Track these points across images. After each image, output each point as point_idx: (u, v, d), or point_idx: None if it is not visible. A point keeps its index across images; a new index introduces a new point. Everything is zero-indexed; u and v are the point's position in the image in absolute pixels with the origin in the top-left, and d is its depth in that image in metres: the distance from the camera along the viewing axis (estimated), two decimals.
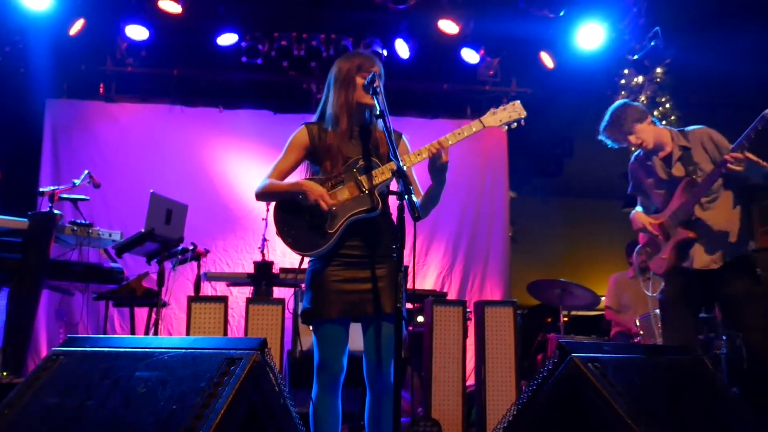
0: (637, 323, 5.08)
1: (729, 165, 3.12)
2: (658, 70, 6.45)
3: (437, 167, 2.50)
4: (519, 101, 2.69)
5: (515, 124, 2.66)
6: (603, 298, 5.92)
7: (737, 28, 5.72)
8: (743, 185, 3.40)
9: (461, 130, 2.55)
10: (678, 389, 2.24)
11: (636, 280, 5.78)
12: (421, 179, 2.73)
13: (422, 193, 2.69)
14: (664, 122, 6.49)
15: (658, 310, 4.91)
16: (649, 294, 4.35)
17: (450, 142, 2.51)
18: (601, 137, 3.69)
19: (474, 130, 2.58)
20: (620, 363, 2.13)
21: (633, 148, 3.63)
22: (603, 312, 6.04)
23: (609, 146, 3.71)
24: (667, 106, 6.48)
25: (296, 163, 2.75)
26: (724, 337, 4.61)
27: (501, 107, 2.67)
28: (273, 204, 2.69)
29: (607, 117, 3.60)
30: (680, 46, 6.19)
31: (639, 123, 3.49)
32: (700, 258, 3.41)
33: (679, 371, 2.34)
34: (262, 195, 2.72)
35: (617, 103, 3.64)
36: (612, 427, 1.92)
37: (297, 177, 2.73)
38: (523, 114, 2.67)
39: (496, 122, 2.64)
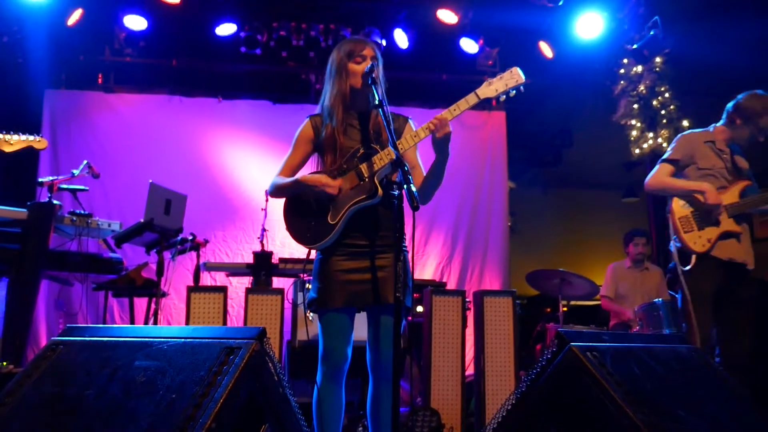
0: (636, 313, 5.09)
1: None
2: (657, 59, 6.44)
3: (440, 140, 2.48)
4: (518, 67, 2.56)
5: (513, 92, 2.55)
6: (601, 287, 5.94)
7: (736, 18, 5.71)
8: None
9: (457, 106, 2.50)
10: (676, 378, 2.24)
11: (633, 269, 5.81)
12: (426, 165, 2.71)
13: (424, 175, 2.67)
14: (663, 111, 6.49)
15: (659, 299, 4.94)
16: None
17: (448, 119, 2.48)
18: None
19: (469, 103, 2.53)
20: (619, 352, 2.14)
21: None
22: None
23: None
24: (666, 95, 6.47)
25: (304, 157, 2.75)
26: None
27: (497, 76, 2.57)
28: (282, 200, 2.69)
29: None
30: (679, 35, 6.18)
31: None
32: (747, 254, 3.59)
33: (678, 360, 2.35)
34: (273, 193, 2.73)
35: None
36: (610, 416, 1.93)
37: (309, 170, 2.72)
38: (522, 80, 2.55)
39: (491, 92, 2.56)
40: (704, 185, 3.58)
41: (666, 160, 3.76)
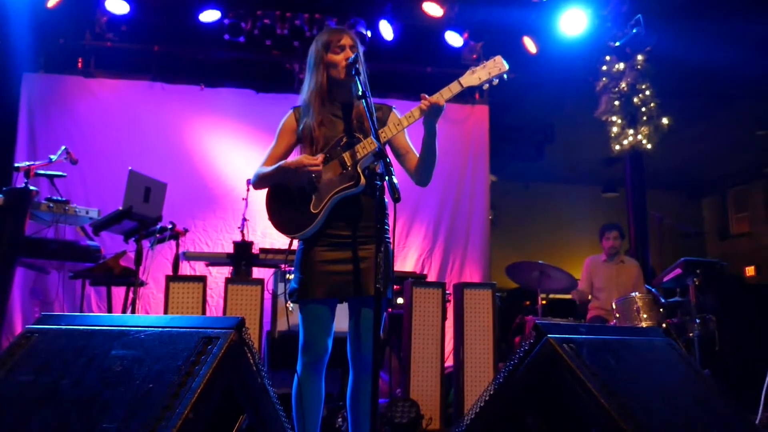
0: (614, 306, 5.15)
1: None
2: (639, 57, 6.51)
3: (431, 113, 2.48)
4: (500, 56, 2.55)
5: (497, 80, 2.54)
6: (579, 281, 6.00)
7: (717, 17, 5.78)
8: None
9: (440, 93, 2.49)
10: (651, 370, 2.27)
11: (609, 263, 5.88)
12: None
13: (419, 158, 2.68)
14: (643, 109, 6.55)
15: (635, 293, 5.01)
16: None
17: (441, 102, 2.48)
18: None
19: (453, 91, 2.52)
20: (595, 344, 2.16)
21: None
22: None
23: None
24: (647, 93, 6.54)
25: (288, 148, 2.73)
26: (696, 321, 4.71)
27: (481, 65, 2.55)
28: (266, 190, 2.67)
29: None
30: (661, 34, 6.24)
31: None
32: None
33: (652, 353, 2.38)
34: (256, 183, 2.70)
35: None
36: (586, 407, 1.95)
37: None
38: (505, 68, 2.54)
39: (474, 81, 2.55)
40: None
41: None
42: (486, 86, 2.58)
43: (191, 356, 1.78)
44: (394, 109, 2.75)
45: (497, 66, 2.55)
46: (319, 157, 2.54)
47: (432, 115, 2.50)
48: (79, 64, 6.59)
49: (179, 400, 1.65)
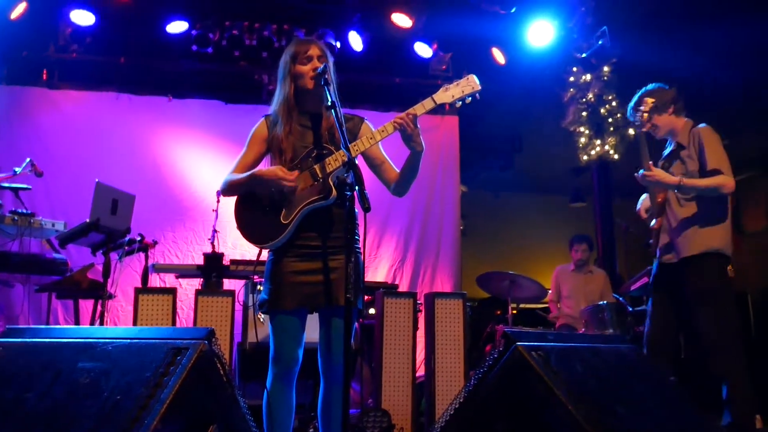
0: (582, 314, 5.22)
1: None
2: (605, 68, 6.63)
3: (407, 136, 2.51)
4: (474, 75, 2.58)
5: (469, 98, 2.57)
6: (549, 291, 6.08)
7: (682, 28, 5.92)
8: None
9: (413, 109, 2.51)
10: (618, 376, 2.31)
11: (577, 272, 5.97)
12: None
13: (395, 169, 2.70)
14: (610, 119, 6.68)
15: (603, 302, 5.09)
16: None
17: (409, 117, 2.50)
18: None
19: (426, 108, 2.54)
20: (563, 351, 2.19)
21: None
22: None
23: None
24: (614, 104, 6.66)
25: (258, 156, 2.72)
26: None
27: (454, 83, 2.59)
28: (234, 198, 2.66)
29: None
30: (626, 45, 6.37)
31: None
32: (664, 250, 3.57)
33: (619, 360, 2.42)
34: (225, 190, 2.69)
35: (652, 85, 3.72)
36: (554, 413, 1.98)
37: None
38: (477, 87, 2.56)
39: (448, 98, 2.57)
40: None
41: None
42: (458, 104, 2.60)
43: (160, 367, 1.76)
44: (365, 120, 2.77)
45: (470, 85, 2.57)
46: (294, 174, 2.54)
47: (407, 138, 2.52)
48: (44, 76, 6.48)
49: (148, 411, 1.64)
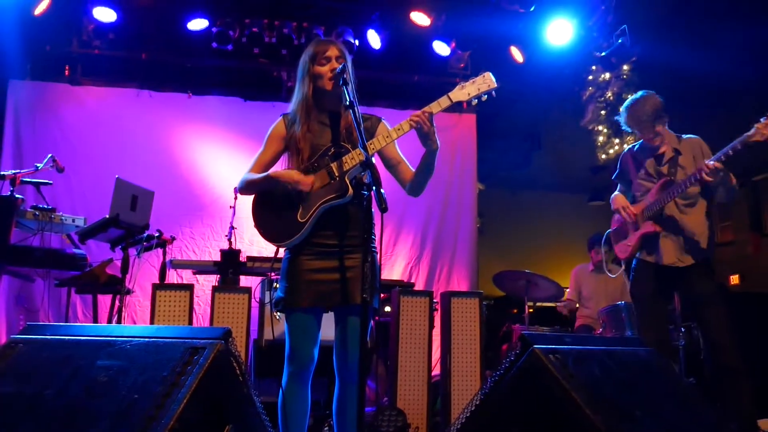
0: (600, 315, 5.18)
1: (703, 174, 3.38)
2: (625, 67, 6.57)
3: (423, 134, 2.51)
4: (490, 73, 2.57)
5: (485, 96, 2.56)
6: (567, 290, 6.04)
7: (701, 27, 5.85)
8: (710, 198, 3.68)
9: (429, 107, 2.52)
10: (636, 380, 2.29)
11: (596, 272, 5.91)
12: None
13: (411, 169, 2.69)
14: None
15: (621, 302, 5.04)
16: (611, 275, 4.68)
17: (425, 115, 2.49)
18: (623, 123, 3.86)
19: (442, 106, 2.54)
20: (580, 354, 2.17)
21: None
22: None
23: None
24: None
25: (276, 155, 2.74)
26: (682, 330, 4.74)
27: (470, 81, 2.58)
28: (251, 196, 2.67)
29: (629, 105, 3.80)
30: (646, 44, 6.30)
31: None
32: (668, 255, 3.64)
33: (637, 362, 2.40)
34: (242, 189, 2.71)
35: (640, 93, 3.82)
36: (571, 417, 1.96)
37: (280, 168, 2.71)
38: (494, 85, 2.55)
39: (464, 96, 2.57)
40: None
41: None
42: (474, 102, 2.59)
43: (177, 367, 1.77)
44: (382, 120, 2.77)
45: (486, 82, 2.57)
46: (310, 178, 2.55)
47: (423, 136, 2.51)
48: (66, 72, 6.55)
49: (164, 410, 1.65)
